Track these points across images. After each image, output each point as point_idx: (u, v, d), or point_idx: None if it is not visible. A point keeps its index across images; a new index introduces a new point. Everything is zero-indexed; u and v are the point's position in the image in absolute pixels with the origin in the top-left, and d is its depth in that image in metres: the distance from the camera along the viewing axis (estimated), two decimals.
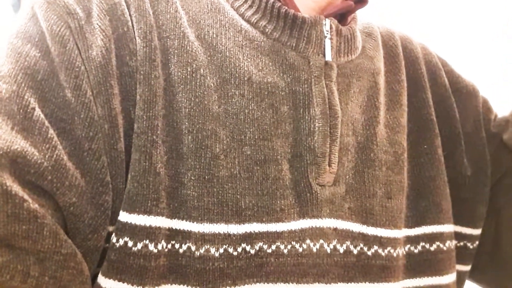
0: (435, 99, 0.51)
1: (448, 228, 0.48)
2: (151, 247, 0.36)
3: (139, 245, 0.36)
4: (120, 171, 0.37)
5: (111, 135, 0.36)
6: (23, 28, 0.37)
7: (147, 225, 0.37)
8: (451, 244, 0.48)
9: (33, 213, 0.32)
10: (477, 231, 0.51)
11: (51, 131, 0.34)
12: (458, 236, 0.50)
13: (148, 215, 0.37)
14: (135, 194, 0.36)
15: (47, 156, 0.33)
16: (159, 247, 0.37)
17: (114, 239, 0.36)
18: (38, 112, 0.34)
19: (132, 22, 0.39)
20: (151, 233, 0.37)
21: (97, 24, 0.37)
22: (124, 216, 0.36)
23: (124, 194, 0.37)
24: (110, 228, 0.37)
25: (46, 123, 0.34)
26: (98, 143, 0.36)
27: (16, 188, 0.31)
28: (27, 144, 0.33)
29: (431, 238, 0.47)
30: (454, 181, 0.50)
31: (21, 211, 0.31)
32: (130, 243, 0.36)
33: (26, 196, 0.32)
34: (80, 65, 0.36)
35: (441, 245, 0.47)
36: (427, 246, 0.47)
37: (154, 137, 0.37)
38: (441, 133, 0.50)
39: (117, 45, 0.38)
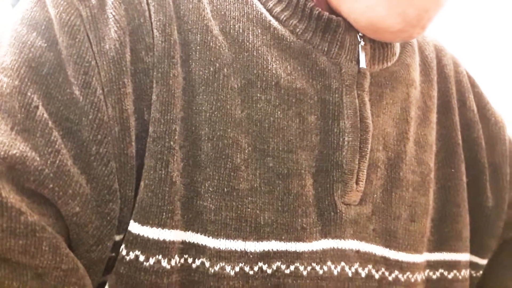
0: (462, 122, 0.48)
1: (465, 257, 0.47)
2: (164, 263, 0.34)
3: (151, 261, 0.33)
4: (130, 178, 0.33)
5: (121, 138, 0.33)
6: (28, 13, 0.33)
7: (161, 239, 0.33)
8: (466, 273, 0.47)
9: (30, 227, 0.28)
10: (483, 261, 0.50)
11: (55, 132, 0.31)
12: None
13: (162, 228, 0.34)
14: (149, 205, 0.33)
15: (49, 162, 0.30)
16: (172, 263, 0.34)
17: (124, 252, 0.33)
18: (41, 111, 0.31)
19: (149, 12, 0.35)
20: (165, 248, 0.34)
21: (111, 13, 0.34)
22: (135, 228, 0.33)
23: (133, 203, 0.34)
24: (117, 238, 0.34)
25: (50, 123, 0.31)
26: (107, 147, 0.32)
27: (12, 199, 0.28)
28: (27, 147, 0.29)
29: (450, 265, 0.45)
30: (473, 209, 0.48)
31: (18, 225, 0.28)
32: (141, 258, 0.33)
33: (23, 208, 0.29)
34: (90, 59, 0.32)
35: (458, 274, 0.46)
36: (445, 273, 0.45)
37: (172, 142, 0.34)
38: (465, 159, 0.48)
39: (132, 38, 0.34)
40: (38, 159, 0.30)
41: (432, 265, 0.45)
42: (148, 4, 0.35)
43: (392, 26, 0.35)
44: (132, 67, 0.34)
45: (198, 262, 0.35)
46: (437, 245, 0.46)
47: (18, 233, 0.28)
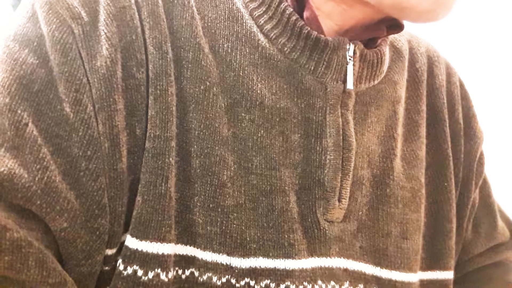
0: (450, 134, 0.48)
1: (452, 274, 0.46)
2: (163, 276, 0.34)
3: (151, 274, 0.34)
4: (120, 193, 0.34)
5: (111, 154, 0.34)
6: (21, 29, 0.34)
7: (160, 253, 0.34)
8: None
9: (16, 243, 0.29)
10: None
11: (44, 149, 0.32)
12: None
13: (161, 243, 0.35)
14: (148, 220, 0.34)
15: (37, 179, 0.31)
16: (170, 275, 0.35)
17: (121, 267, 0.34)
18: (31, 128, 0.32)
19: (142, 28, 0.36)
20: (163, 262, 0.35)
21: (103, 30, 0.34)
22: (133, 243, 0.34)
23: (124, 218, 0.35)
24: (109, 252, 0.35)
25: (39, 140, 0.32)
26: (96, 162, 0.33)
27: None
28: (15, 164, 0.31)
29: (442, 285, 0.45)
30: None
31: (3, 241, 0.29)
32: (140, 272, 0.34)
33: (10, 225, 0.30)
34: (82, 77, 0.33)
35: None
36: None
37: (170, 159, 0.35)
38: None
39: (124, 55, 0.35)
40: (26, 176, 0.31)
41: (425, 285, 0.44)
42: (141, 20, 0.36)
43: (418, 5, 0.34)
44: (123, 83, 0.34)
45: (187, 272, 0.36)
46: (430, 263, 0.45)
47: (3, 249, 0.29)
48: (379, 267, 0.41)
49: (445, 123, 0.47)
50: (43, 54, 0.33)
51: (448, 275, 0.45)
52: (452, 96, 0.49)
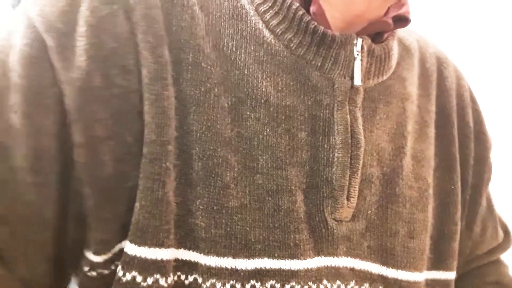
0: (459, 137, 0.48)
1: (454, 275, 0.46)
2: (162, 281, 0.34)
3: (149, 280, 0.34)
4: (106, 200, 0.34)
5: (89, 163, 0.33)
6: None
7: (159, 258, 0.34)
8: None
9: None
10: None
11: None
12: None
13: (160, 248, 0.34)
14: (146, 226, 0.34)
15: None
16: (169, 281, 0.34)
17: (120, 273, 0.34)
18: None
19: (134, 32, 0.35)
20: (162, 267, 0.34)
21: (81, 41, 0.33)
22: (132, 249, 0.34)
23: (113, 224, 0.34)
24: (99, 259, 0.35)
25: None
26: (42, 176, 0.33)
27: None
28: None
29: (445, 284, 0.45)
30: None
31: None
32: (139, 278, 0.34)
33: None
34: (44, 90, 0.33)
35: None
36: None
37: (168, 163, 0.34)
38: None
39: (104, 65, 0.34)
40: None
41: (430, 284, 0.44)
42: (132, 22, 0.35)
43: None
44: (106, 93, 0.34)
45: (190, 278, 0.35)
46: (435, 263, 0.45)
47: None
48: (385, 267, 0.40)
49: (454, 125, 0.47)
50: (7, 65, 0.33)
51: (451, 275, 0.45)
52: (462, 99, 0.49)
